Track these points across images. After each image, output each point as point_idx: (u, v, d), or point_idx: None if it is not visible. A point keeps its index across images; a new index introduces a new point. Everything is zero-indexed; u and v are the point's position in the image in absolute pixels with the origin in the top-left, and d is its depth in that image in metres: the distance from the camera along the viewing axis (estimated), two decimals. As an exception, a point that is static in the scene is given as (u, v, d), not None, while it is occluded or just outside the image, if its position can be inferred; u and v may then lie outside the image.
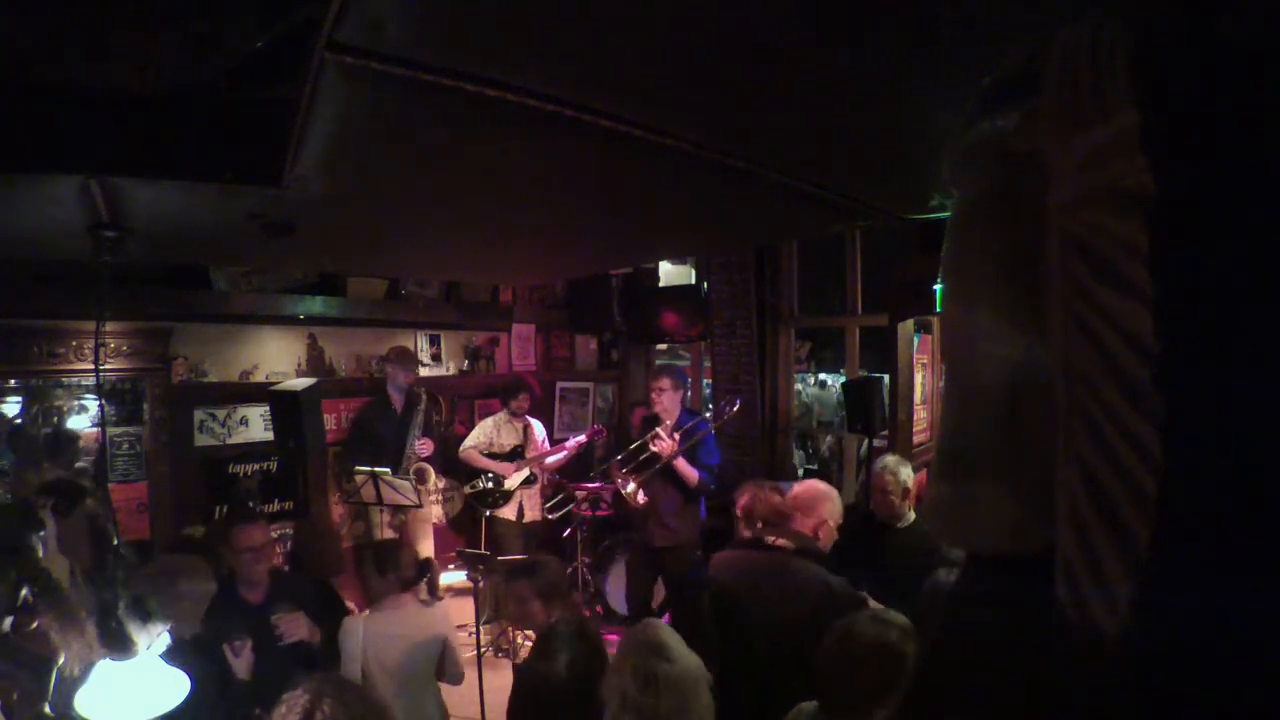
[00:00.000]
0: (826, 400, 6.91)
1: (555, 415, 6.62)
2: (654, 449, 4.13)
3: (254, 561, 2.80)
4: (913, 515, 3.20)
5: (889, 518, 3.19)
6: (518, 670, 2.68)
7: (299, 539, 5.01)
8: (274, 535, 4.93)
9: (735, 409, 4.57)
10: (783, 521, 2.72)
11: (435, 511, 5.41)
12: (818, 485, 2.92)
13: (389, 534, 4.77)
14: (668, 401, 4.25)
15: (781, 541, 2.55)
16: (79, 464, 4.22)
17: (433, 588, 3.05)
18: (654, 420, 4.31)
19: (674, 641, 1.99)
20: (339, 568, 4.93)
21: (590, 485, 5.41)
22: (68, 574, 2.99)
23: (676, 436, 4.13)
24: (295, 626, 2.74)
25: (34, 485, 3.47)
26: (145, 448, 4.61)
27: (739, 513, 2.90)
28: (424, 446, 4.86)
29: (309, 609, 2.86)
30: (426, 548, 4.92)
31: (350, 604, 3.78)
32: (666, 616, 4.66)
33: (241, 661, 2.58)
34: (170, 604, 2.00)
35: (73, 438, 4.38)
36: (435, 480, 4.95)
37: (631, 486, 4.11)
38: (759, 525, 2.81)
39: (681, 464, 4.14)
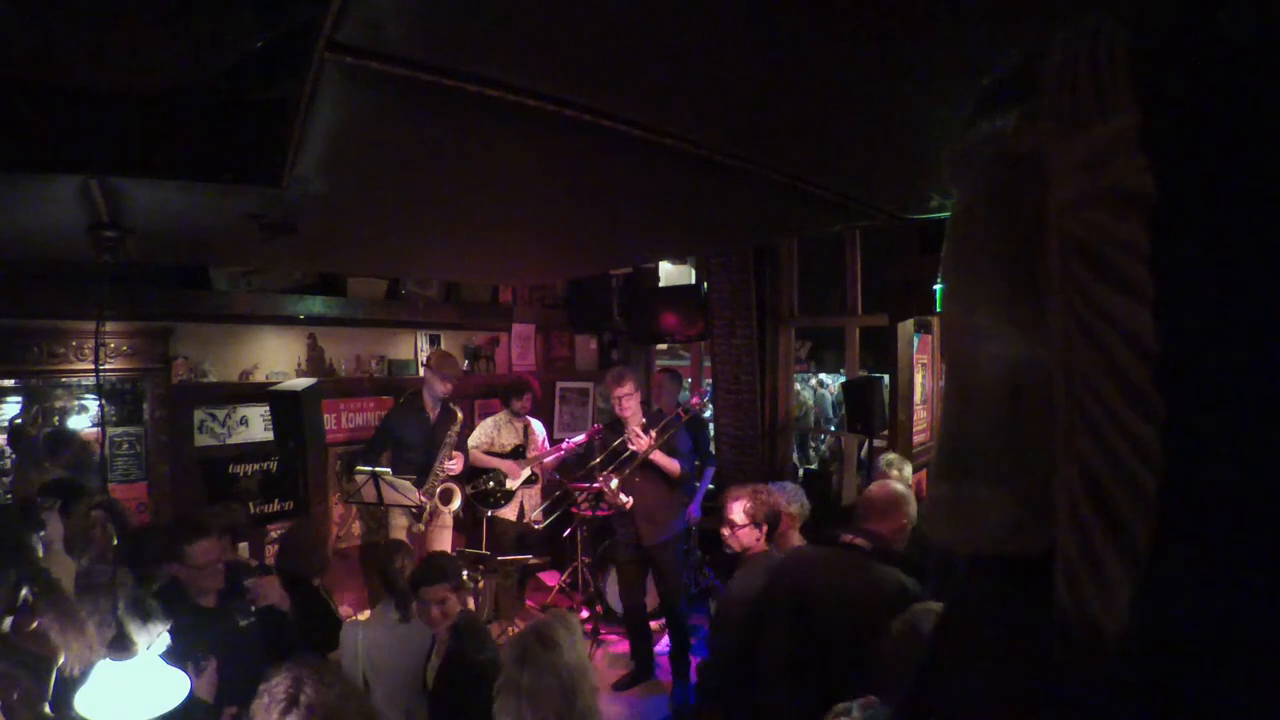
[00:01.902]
0: (820, 401, 6.92)
1: (555, 415, 6.62)
2: (632, 447, 4.15)
3: (209, 575, 2.70)
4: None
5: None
6: (452, 660, 2.59)
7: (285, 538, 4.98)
8: (273, 535, 4.97)
9: (699, 403, 4.78)
10: (861, 520, 2.68)
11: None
12: (894, 487, 2.74)
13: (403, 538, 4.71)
14: (636, 405, 4.26)
15: (860, 541, 2.52)
16: (86, 465, 4.21)
17: (404, 609, 2.93)
18: (619, 425, 4.31)
19: (563, 636, 2.04)
20: (318, 570, 4.89)
21: (590, 485, 5.41)
22: (72, 576, 2.98)
23: (652, 433, 4.14)
24: (269, 589, 2.71)
25: (34, 485, 3.48)
26: (145, 448, 4.61)
27: (741, 517, 2.87)
28: (455, 463, 4.71)
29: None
30: None
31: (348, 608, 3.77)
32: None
33: (204, 681, 2.42)
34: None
35: (72, 438, 4.38)
36: (458, 504, 4.80)
37: (615, 483, 4.12)
38: (765, 528, 2.81)
39: (660, 456, 4.16)
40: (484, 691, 2.34)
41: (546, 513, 5.06)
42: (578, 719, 1.93)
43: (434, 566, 2.76)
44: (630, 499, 4.18)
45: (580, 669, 2.01)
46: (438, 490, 4.67)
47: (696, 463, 4.97)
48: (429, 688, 2.63)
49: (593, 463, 4.44)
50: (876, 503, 2.66)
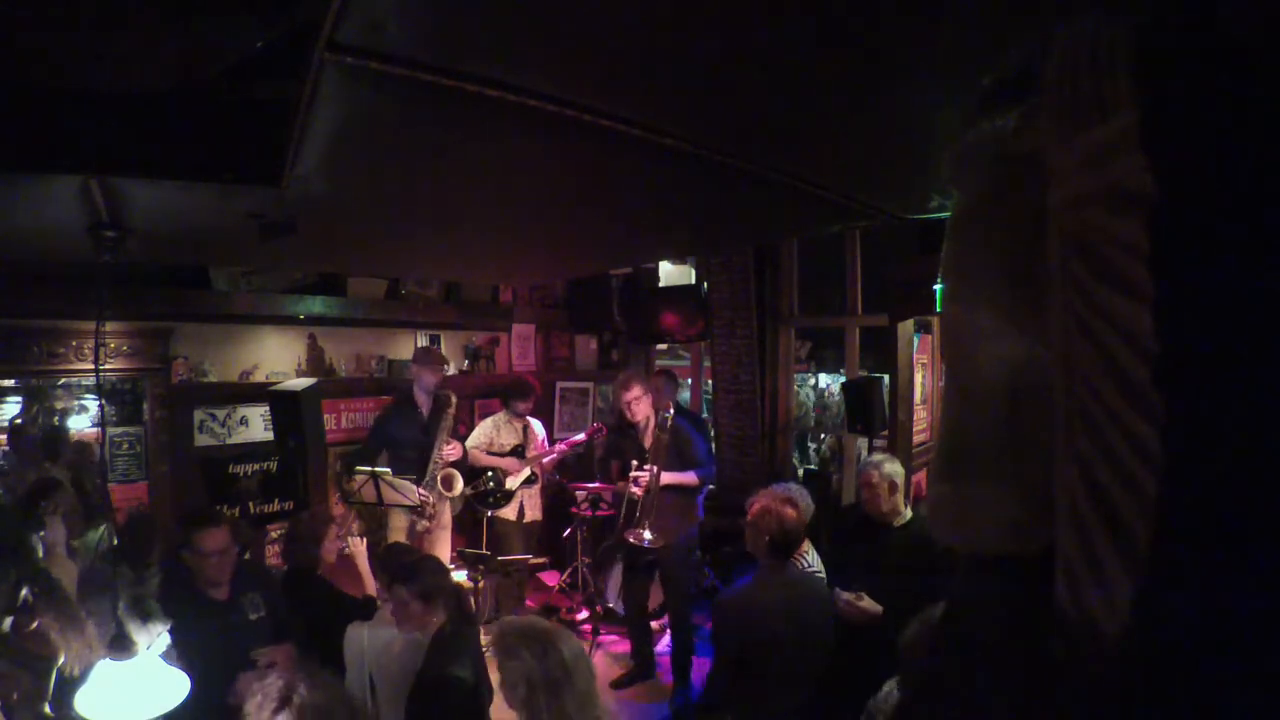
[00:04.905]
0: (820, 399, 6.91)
1: (555, 415, 6.62)
2: (635, 492, 4.06)
3: (219, 565, 2.69)
4: (909, 513, 3.20)
5: (883, 515, 3.19)
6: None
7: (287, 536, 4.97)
8: (273, 535, 4.97)
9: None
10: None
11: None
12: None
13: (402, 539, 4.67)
14: (647, 408, 4.21)
15: None
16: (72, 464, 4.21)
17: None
18: (628, 427, 4.26)
19: (557, 628, 2.04)
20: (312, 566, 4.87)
21: (590, 485, 5.41)
22: (73, 576, 2.98)
23: (650, 467, 4.05)
24: (282, 659, 2.68)
25: (33, 485, 3.48)
26: (145, 448, 4.60)
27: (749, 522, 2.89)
28: (452, 451, 4.72)
29: (276, 596, 2.86)
30: (443, 555, 4.87)
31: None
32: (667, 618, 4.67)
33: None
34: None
35: (71, 438, 4.39)
36: (461, 487, 4.79)
37: (648, 535, 4.00)
38: (767, 539, 2.80)
39: (671, 476, 4.09)
40: (441, 706, 2.32)
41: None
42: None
43: (405, 567, 2.72)
44: (653, 537, 4.06)
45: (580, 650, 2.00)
46: (439, 477, 4.63)
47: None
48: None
49: (626, 530, 4.18)
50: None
